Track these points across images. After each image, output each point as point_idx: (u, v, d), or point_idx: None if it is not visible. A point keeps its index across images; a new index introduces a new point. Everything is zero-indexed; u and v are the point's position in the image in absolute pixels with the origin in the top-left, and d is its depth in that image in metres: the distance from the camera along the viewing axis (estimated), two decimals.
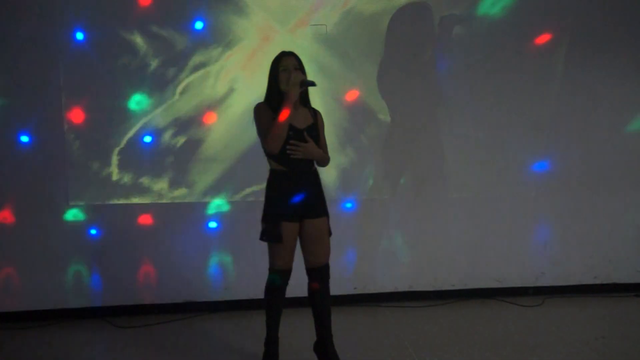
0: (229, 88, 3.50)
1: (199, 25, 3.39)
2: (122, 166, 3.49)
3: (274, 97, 2.59)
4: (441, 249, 3.89)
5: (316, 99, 3.02)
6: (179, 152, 3.53)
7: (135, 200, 3.53)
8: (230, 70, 3.48)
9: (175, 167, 3.54)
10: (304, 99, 2.68)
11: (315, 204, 2.68)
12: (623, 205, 4.03)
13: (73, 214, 3.48)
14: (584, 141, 3.92)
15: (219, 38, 3.43)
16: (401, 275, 3.89)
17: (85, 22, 3.28)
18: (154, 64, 3.40)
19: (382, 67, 3.59)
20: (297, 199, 2.61)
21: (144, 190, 3.53)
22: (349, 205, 3.72)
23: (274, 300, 2.76)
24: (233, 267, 3.70)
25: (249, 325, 3.43)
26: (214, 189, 3.61)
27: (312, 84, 2.56)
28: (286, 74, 2.55)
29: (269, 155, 2.65)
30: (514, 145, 3.85)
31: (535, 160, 3.91)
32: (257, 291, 3.70)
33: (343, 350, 2.85)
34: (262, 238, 2.69)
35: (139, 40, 3.36)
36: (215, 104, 3.50)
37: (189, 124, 3.50)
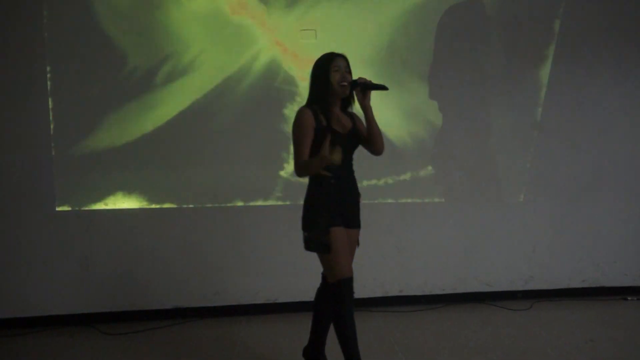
0: (216, 87, 3.50)
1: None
2: (110, 170, 3.45)
3: (323, 96, 2.45)
4: (431, 254, 3.90)
5: None
6: (169, 156, 3.50)
7: (123, 204, 3.49)
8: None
9: (164, 171, 3.51)
10: (346, 105, 2.56)
11: (355, 214, 2.60)
12: (610, 210, 4.07)
13: (61, 219, 3.44)
14: (573, 146, 3.96)
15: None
16: (391, 280, 3.88)
17: (73, 22, 3.27)
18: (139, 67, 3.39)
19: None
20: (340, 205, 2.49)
21: (131, 195, 3.50)
22: None
23: (343, 318, 2.52)
24: (223, 272, 3.67)
25: (238, 332, 3.41)
26: (204, 194, 3.59)
27: (384, 87, 2.39)
28: (338, 74, 2.42)
29: None
30: (502, 151, 3.88)
31: (524, 166, 3.94)
32: (247, 297, 3.70)
33: (333, 355, 2.83)
34: (308, 248, 2.51)
35: (120, 44, 3.35)
36: (201, 106, 3.48)
37: (175, 126, 3.48)
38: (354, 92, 2.45)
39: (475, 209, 3.92)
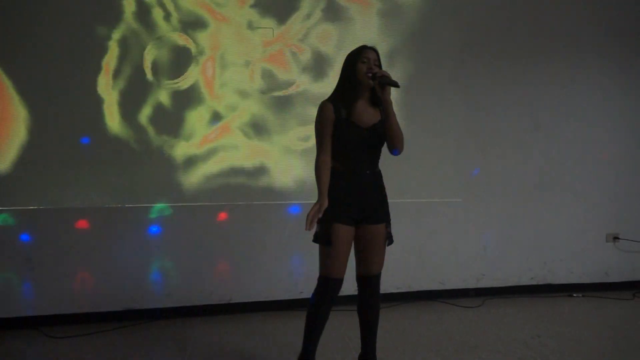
0: (169, 89, 3.44)
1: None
2: (56, 168, 3.33)
3: (348, 87, 2.40)
4: (386, 253, 3.92)
5: None
6: (119, 154, 3.41)
7: (71, 204, 3.37)
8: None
9: (115, 169, 3.42)
10: (374, 99, 2.45)
11: (376, 209, 2.47)
12: (557, 210, 4.22)
13: (2, 219, 3.30)
14: (520, 147, 4.10)
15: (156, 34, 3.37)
16: (347, 279, 3.84)
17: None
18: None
19: None
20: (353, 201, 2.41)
21: (79, 194, 3.39)
22: (294, 208, 3.71)
23: (318, 314, 2.45)
24: (175, 273, 3.60)
25: (191, 334, 3.34)
26: (156, 193, 3.51)
27: (396, 84, 2.33)
28: (366, 65, 2.36)
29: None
30: (454, 151, 3.97)
31: (475, 166, 4.04)
32: (200, 298, 3.64)
33: (285, 355, 2.82)
34: (314, 240, 2.45)
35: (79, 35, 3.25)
36: (156, 104, 3.41)
37: (130, 124, 3.40)
38: (375, 85, 2.37)
39: (428, 209, 3.99)
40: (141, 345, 3.16)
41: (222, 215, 3.64)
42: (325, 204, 2.32)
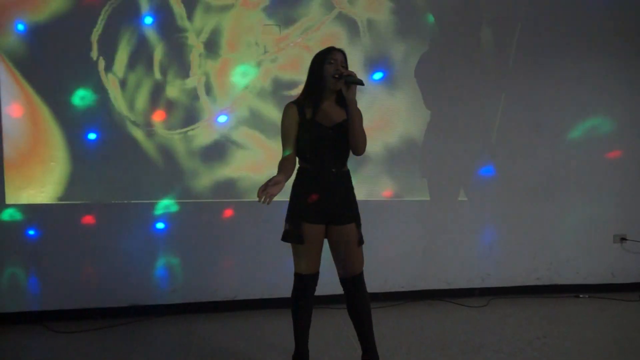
0: (179, 87, 3.44)
1: (148, 20, 3.31)
2: (64, 164, 3.35)
3: (315, 88, 2.43)
4: (391, 252, 3.93)
5: None
6: (126, 150, 3.42)
7: (77, 200, 3.39)
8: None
9: (121, 165, 3.43)
10: (341, 99, 2.46)
11: (343, 208, 2.48)
12: (564, 210, 4.19)
13: (9, 214, 3.32)
14: (527, 148, 4.07)
15: (168, 33, 3.37)
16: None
17: (27, 13, 3.15)
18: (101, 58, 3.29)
19: None
20: (318, 200, 2.43)
21: (87, 189, 3.40)
22: None
23: (298, 309, 2.55)
24: (181, 269, 3.61)
25: (196, 330, 3.35)
26: (162, 189, 3.52)
27: (360, 82, 2.33)
28: (333, 66, 2.38)
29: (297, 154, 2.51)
30: (461, 151, 3.95)
31: (481, 165, 4.02)
32: (205, 294, 3.65)
33: (289, 352, 2.81)
34: (283, 238, 2.50)
35: (85, 33, 3.25)
36: (165, 101, 3.42)
37: (136, 121, 3.41)
38: (341, 86, 2.38)
39: (434, 208, 3.98)
40: (146, 341, 3.17)
41: (228, 212, 3.64)
42: (281, 179, 2.26)
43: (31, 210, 3.34)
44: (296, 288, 2.54)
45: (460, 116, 3.94)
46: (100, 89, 3.35)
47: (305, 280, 2.50)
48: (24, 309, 3.41)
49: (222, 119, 3.55)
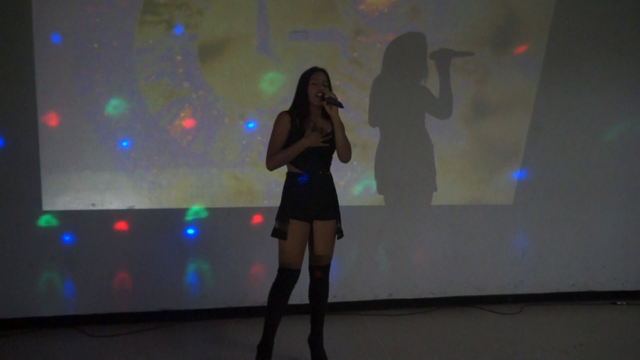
0: (208, 93, 3.48)
1: (179, 30, 3.37)
2: (98, 171, 3.42)
3: (301, 106, 2.74)
4: (421, 257, 3.89)
5: None
6: (157, 157, 3.48)
7: (111, 206, 3.46)
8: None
9: (153, 172, 3.49)
10: (325, 112, 2.78)
11: (327, 206, 2.79)
12: (599, 214, 4.08)
13: (46, 220, 3.40)
14: (562, 150, 3.97)
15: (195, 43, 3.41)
16: (381, 283, 3.87)
17: (62, 24, 3.24)
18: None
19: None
20: (308, 200, 2.73)
21: (119, 196, 3.47)
22: None
23: (275, 301, 2.77)
24: (211, 274, 3.64)
25: (225, 335, 3.38)
26: (193, 195, 3.56)
27: (340, 105, 2.66)
28: (316, 87, 2.70)
29: None
30: (493, 155, 3.89)
31: (513, 169, 3.94)
32: (235, 300, 3.68)
33: (322, 357, 2.82)
34: (272, 234, 2.77)
35: (116, 44, 3.32)
36: (195, 109, 3.47)
37: (167, 128, 3.46)
38: (324, 105, 2.71)
39: (465, 213, 3.92)
40: (177, 345, 3.21)
41: (257, 218, 3.67)
42: (311, 134, 2.66)
43: (66, 216, 3.42)
44: (278, 282, 2.76)
45: (490, 120, 3.87)
46: (132, 98, 3.41)
47: (288, 275, 2.74)
48: (60, 313, 3.49)
49: (250, 125, 3.58)
